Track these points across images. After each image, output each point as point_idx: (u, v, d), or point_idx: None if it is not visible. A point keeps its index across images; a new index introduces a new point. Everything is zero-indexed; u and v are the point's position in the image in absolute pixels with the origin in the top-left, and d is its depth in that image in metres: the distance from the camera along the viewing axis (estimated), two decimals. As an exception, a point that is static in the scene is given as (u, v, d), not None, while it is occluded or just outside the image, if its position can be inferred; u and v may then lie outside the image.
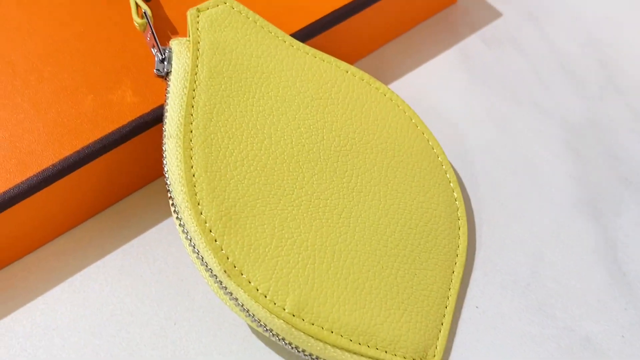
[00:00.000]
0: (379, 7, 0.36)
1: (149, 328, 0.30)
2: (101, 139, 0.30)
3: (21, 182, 0.29)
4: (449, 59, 0.39)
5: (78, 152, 0.30)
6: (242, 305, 0.27)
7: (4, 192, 0.29)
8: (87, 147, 0.30)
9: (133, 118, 0.31)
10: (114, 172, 0.32)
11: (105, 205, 0.33)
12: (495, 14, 0.41)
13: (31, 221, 0.31)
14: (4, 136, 0.30)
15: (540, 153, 0.36)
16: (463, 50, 0.39)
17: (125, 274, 0.31)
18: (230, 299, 0.28)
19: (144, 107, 0.31)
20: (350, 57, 0.38)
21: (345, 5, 0.35)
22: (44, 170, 0.30)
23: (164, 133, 0.29)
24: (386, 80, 0.38)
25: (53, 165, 0.30)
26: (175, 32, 0.34)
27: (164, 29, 0.33)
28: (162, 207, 0.33)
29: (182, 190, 0.28)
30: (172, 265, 0.32)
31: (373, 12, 0.36)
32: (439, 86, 0.38)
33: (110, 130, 0.31)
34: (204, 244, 0.27)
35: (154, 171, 0.34)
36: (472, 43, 0.39)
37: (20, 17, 0.33)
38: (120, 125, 0.31)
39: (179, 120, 0.29)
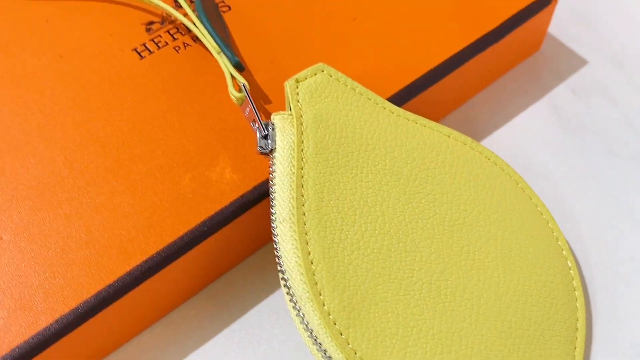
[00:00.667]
0: (473, 64, 0.35)
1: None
2: (204, 222, 0.29)
3: (125, 274, 0.28)
4: (539, 111, 0.37)
5: (182, 237, 0.28)
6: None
7: (108, 286, 0.27)
8: (191, 231, 0.29)
9: (235, 197, 0.29)
10: (214, 254, 0.30)
11: (201, 287, 0.31)
12: (581, 62, 0.39)
13: (130, 312, 0.29)
14: (102, 222, 0.29)
15: (646, 210, 0.34)
16: (552, 101, 0.38)
17: (233, 355, 0.30)
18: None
19: (246, 185, 0.30)
20: (439, 114, 0.36)
21: (439, 65, 0.34)
22: (147, 260, 0.28)
23: (274, 216, 0.28)
24: (477, 137, 0.36)
25: (157, 253, 0.28)
26: (268, 102, 0.32)
27: (256, 99, 0.32)
28: (260, 285, 0.32)
29: (301, 280, 0.26)
30: (277, 349, 0.30)
31: (460, 70, 0.35)
32: (531, 141, 0.36)
33: (213, 212, 0.29)
34: (329, 338, 0.26)
35: (251, 248, 0.32)
36: (561, 93, 0.38)
37: (107, 92, 0.32)
38: (223, 205, 0.29)
39: (290, 202, 0.28)
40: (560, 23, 0.40)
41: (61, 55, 0.33)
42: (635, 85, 0.39)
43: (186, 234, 0.29)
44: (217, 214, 0.29)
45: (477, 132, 0.37)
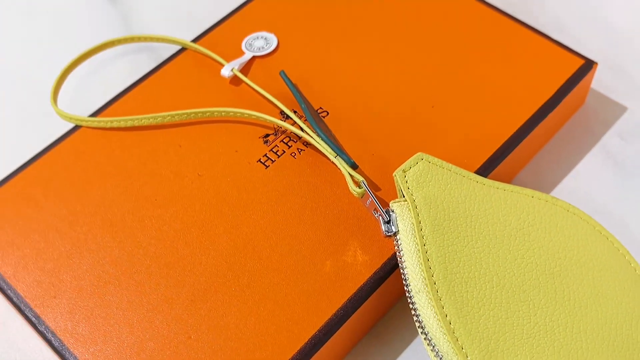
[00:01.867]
0: (537, 130, 0.41)
1: None
2: (349, 300, 0.35)
3: (296, 352, 0.34)
4: (595, 159, 0.44)
5: (335, 314, 0.35)
6: None
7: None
8: (340, 309, 0.35)
9: (369, 275, 0.36)
10: (356, 327, 0.37)
11: (349, 350, 0.38)
12: (622, 109, 0.46)
13: None
14: (268, 312, 0.35)
15: None
16: (605, 147, 0.44)
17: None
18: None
19: (376, 264, 0.36)
20: (514, 173, 0.43)
21: (510, 137, 0.40)
22: (312, 337, 0.34)
23: (408, 288, 0.34)
24: (547, 188, 0.43)
25: (319, 330, 0.34)
26: (378, 190, 0.39)
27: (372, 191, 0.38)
28: (396, 344, 0.38)
29: (445, 339, 0.33)
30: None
31: (533, 135, 0.41)
32: (593, 187, 0.42)
33: (354, 290, 0.35)
34: (474, 384, 0.32)
35: (382, 313, 0.38)
36: (611, 140, 0.44)
37: (245, 200, 0.38)
38: (361, 283, 0.36)
39: (422, 275, 0.34)
40: (599, 77, 0.47)
41: (199, 174, 0.40)
42: (672, 122, 0.45)
43: (337, 311, 0.35)
44: (358, 290, 0.35)
45: (547, 184, 0.43)
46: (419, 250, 0.35)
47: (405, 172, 0.37)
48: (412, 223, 0.35)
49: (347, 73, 0.43)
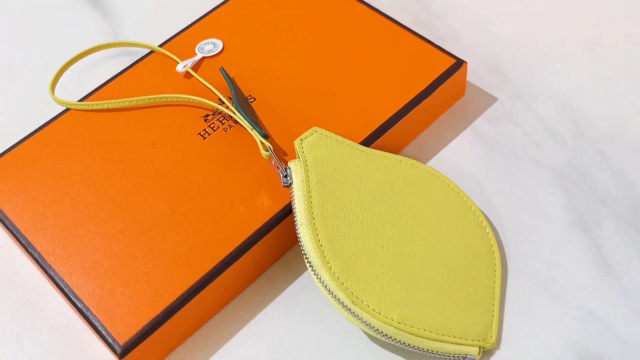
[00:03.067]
0: (413, 112, 0.54)
1: (304, 349, 0.47)
2: (257, 231, 0.48)
3: (214, 266, 0.46)
4: (467, 138, 0.56)
5: (246, 240, 0.47)
6: (365, 322, 0.44)
7: (203, 276, 0.46)
8: (250, 236, 0.48)
9: (273, 214, 0.48)
10: (267, 249, 0.49)
11: (262, 272, 0.50)
12: (493, 99, 0.58)
13: (226, 285, 0.48)
14: (188, 229, 0.48)
15: (540, 193, 0.52)
16: (475, 129, 0.56)
17: (283, 316, 0.48)
18: (356, 319, 0.44)
19: (278, 207, 0.49)
20: (398, 148, 0.55)
21: (391, 117, 0.52)
22: (230, 254, 0.47)
23: (296, 222, 0.47)
24: (426, 159, 0.55)
25: (231, 252, 0.47)
26: (285, 154, 0.51)
27: (279, 155, 0.51)
28: (296, 269, 0.50)
29: (316, 257, 0.45)
30: (310, 306, 0.48)
31: (410, 116, 0.54)
32: (463, 158, 0.54)
33: (260, 225, 0.48)
34: (336, 287, 0.44)
35: (287, 246, 0.51)
36: (481, 123, 0.56)
37: (187, 162, 0.51)
38: (266, 220, 0.48)
39: (305, 213, 0.46)
40: (476, 73, 0.59)
41: (154, 143, 0.53)
42: (532, 110, 0.57)
43: (248, 238, 0.47)
44: (265, 224, 0.48)
45: (426, 157, 0.55)
46: (304, 195, 0.47)
47: (302, 140, 0.50)
48: (302, 176, 0.48)
49: (271, 68, 0.56)
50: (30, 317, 0.49)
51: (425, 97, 0.54)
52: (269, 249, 0.49)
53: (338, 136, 0.50)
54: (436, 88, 0.54)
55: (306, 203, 0.47)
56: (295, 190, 0.48)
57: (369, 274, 0.45)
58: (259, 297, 0.49)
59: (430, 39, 0.61)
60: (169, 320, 0.45)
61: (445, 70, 0.55)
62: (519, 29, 0.62)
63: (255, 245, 0.48)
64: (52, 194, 0.51)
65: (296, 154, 0.49)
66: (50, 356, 0.47)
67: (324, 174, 0.48)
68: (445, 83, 0.55)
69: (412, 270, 0.46)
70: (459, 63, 0.55)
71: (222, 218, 0.49)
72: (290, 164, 0.49)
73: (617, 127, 0.55)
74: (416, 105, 0.53)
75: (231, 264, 0.47)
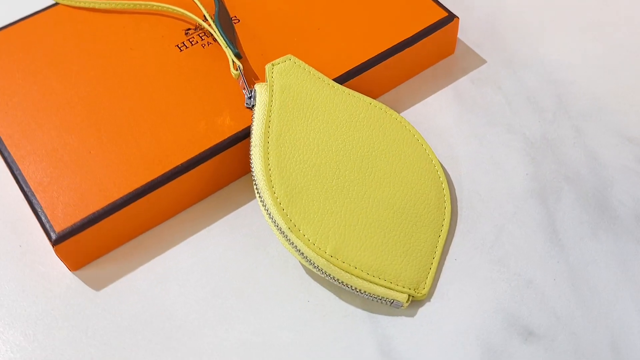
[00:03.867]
0: (395, 59, 0.53)
1: (240, 270, 0.47)
2: (211, 148, 0.48)
3: (162, 175, 0.47)
4: (446, 95, 0.55)
5: (197, 156, 0.47)
6: (299, 250, 0.44)
7: (149, 182, 0.46)
8: (202, 152, 0.47)
9: (231, 134, 0.48)
10: (220, 169, 0.49)
11: (213, 191, 0.50)
12: (482, 61, 0.57)
13: (170, 197, 0.48)
14: (147, 139, 0.48)
15: (506, 159, 0.51)
16: (456, 88, 0.55)
17: (225, 235, 0.48)
18: (292, 247, 0.44)
19: (238, 127, 0.49)
20: (374, 93, 0.54)
21: (371, 59, 0.52)
22: (177, 167, 0.47)
23: (251, 143, 0.46)
24: (400, 110, 0.54)
25: (181, 164, 0.47)
26: (257, 78, 0.51)
27: (249, 77, 0.51)
28: (248, 193, 0.50)
29: (262, 179, 0.45)
30: (255, 231, 0.48)
31: (391, 62, 0.53)
32: (437, 114, 0.54)
33: (216, 142, 0.48)
34: (276, 212, 0.44)
35: (242, 170, 0.51)
36: (463, 83, 0.55)
37: (160, 69, 0.51)
38: (225, 137, 0.48)
39: (260, 136, 0.46)
40: (471, 33, 0.58)
41: (131, 48, 0.53)
42: (518, 78, 0.56)
43: (202, 152, 0.47)
44: (221, 142, 0.48)
45: (401, 106, 0.54)
46: (264, 118, 0.47)
47: (273, 65, 0.49)
48: (266, 100, 0.47)
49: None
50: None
51: (408, 46, 0.53)
52: (222, 168, 0.49)
53: (311, 68, 0.50)
54: (421, 39, 0.53)
55: (264, 126, 0.47)
56: (256, 112, 0.47)
57: (311, 205, 0.45)
58: (205, 214, 0.49)
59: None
60: (109, 218, 0.46)
61: (435, 23, 0.54)
62: (524, -3, 0.61)
63: (208, 161, 0.48)
64: (23, 80, 0.51)
65: (265, 77, 0.49)
66: (-7, 236, 0.48)
67: (287, 101, 0.48)
68: (432, 35, 0.53)
69: (357, 209, 0.46)
70: (450, 18, 0.54)
71: (182, 129, 0.49)
72: (257, 86, 0.48)
73: (600, 108, 0.54)
74: (397, 53, 0.52)
75: (180, 175, 0.47)
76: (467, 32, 0.58)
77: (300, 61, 0.50)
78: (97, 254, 0.47)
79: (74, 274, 0.47)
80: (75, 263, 0.47)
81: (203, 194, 0.50)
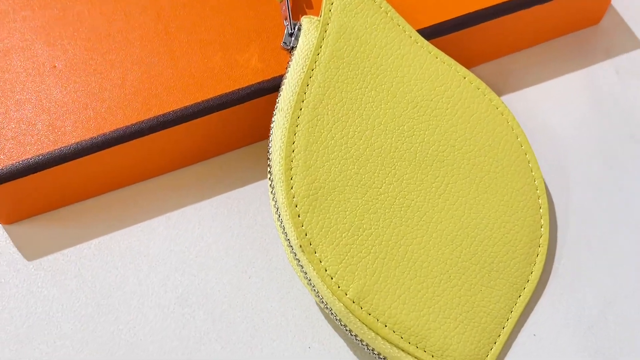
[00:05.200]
0: (513, 17, 0.36)
1: (226, 276, 0.33)
2: (221, 96, 0.33)
3: (143, 121, 0.32)
4: (575, 82, 0.38)
5: (198, 104, 0.33)
6: (310, 280, 0.30)
7: (127, 127, 0.32)
8: (207, 101, 0.33)
9: (253, 82, 0.33)
10: (227, 127, 0.34)
11: (212, 155, 0.36)
12: (636, 44, 0.39)
13: (147, 154, 0.34)
14: (135, 73, 0.33)
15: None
16: (592, 75, 0.38)
17: (217, 222, 0.34)
18: (301, 271, 0.30)
19: (266, 74, 0.33)
20: (474, 60, 0.38)
21: (480, 11, 0.35)
22: (164, 114, 0.32)
23: (277, 105, 0.31)
24: (504, 90, 0.38)
25: (173, 111, 0.32)
26: (311, 8, 0.35)
27: (300, 3, 0.35)
28: (262, 168, 0.36)
29: (279, 162, 0.30)
30: (259, 224, 0.34)
31: (507, 20, 0.36)
32: (555, 108, 0.37)
33: (231, 90, 0.33)
34: (288, 216, 0.29)
35: (262, 134, 0.36)
36: (603, 70, 0.38)
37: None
38: (241, 87, 0.33)
39: (292, 96, 0.31)
40: (631, 1, 0.40)
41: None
42: (684, 80, 0.38)
43: (202, 101, 0.33)
44: (234, 92, 0.33)
45: (506, 85, 0.38)
46: (304, 72, 0.31)
47: (336, -6, 0.33)
48: (313, 44, 0.32)
49: None
50: None
51: (533, 3, 0.36)
52: (229, 126, 0.34)
53: (391, 8, 0.33)
54: (559, -5, 0.36)
55: (301, 82, 0.31)
56: (294, 59, 0.32)
57: (341, 218, 0.30)
58: (195, 185, 0.35)
59: None
60: (61, 167, 0.32)
61: (585, -25, 0.36)
62: None
63: (213, 114, 0.33)
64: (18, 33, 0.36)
65: (321, 10, 0.33)
66: None
67: (344, 52, 0.32)
68: (577, -6, 0.36)
69: (408, 237, 0.30)
70: (609, -28, 0.36)
71: (183, 59, 0.34)
72: (304, 20, 0.33)
73: None
74: (514, 11, 0.35)
75: (167, 126, 0.32)
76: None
77: (378, -5, 0.33)
78: (37, 208, 0.34)
79: (4, 227, 0.34)
80: (7, 214, 0.34)
81: (196, 156, 0.35)
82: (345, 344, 0.32)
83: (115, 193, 0.35)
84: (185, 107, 0.33)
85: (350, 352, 0.31)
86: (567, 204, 0.35)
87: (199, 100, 0.33)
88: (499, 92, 0.38)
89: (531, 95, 0.38)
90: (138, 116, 0.32)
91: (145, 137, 0.32)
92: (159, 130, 0.32)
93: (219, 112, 0.33)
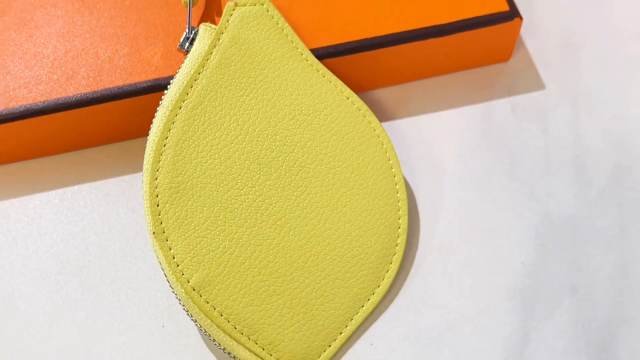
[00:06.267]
0: (411, 47, 0.38)
1: (104, 252, 0.36)
2: (120, 87, 0.36)
3: (58, 99, 0.36)
4: (471, 115, 0.40)
5: (101, 90, 0.36)
6: (160, 264, 0.32)
7: (44, 102, 0.35)
8: (110, 88, 0.36)
9: (153, 77, 0.36)
10: (126, 116, 0.37)
11: (114, 140, 0.39)
12: (539, 86, 0.41)
13: (55, 131, 0.37)
14: (58, 52, 0.37)
15: (508, 231, 0.36)
16: (488, 110, 0.40)
17: (107, 201, 0.37)
18: (157, 257, 0.33)
19: (164, 73, 0.36)
20: (374, 82, 0.40)
21: (376, 37, 0.37)
22: (78, 95, 0.36)
23: (161, 101, 0.34)
24: (399, 115, 0.40)
25: (76, 95, 0.36)
26: (218, 16, 0.38)
27: (206, 13, 0.38)
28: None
29: (149, 154, 0.33)
30: (138, 208, 0.37)
31: (406, 49, 0.38)
32: (445, 138, 0.39)
33: (132, 82, 0.36)
34: (148, 203, 0.32)
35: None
36: (501, 106, 0.40)
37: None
38: (142, 80, 0.36)
39: (174, 95, 0.34)
40: (541, 41, 0.42)
41: None
42: (576, 125, 0.40)
43: (107, 88, 0.36)
44: (137, 83, 0.36)
45: (403, 111, 0.40)
46: (190, 74, 0.34)
47: (237, 5, 0.36)
48: (204, 49, 0.35)
49: None
50: None
51: (435, 35, 0.38)
52: (127, 115, 0.37)
53: (287, 24, 0.36)
54: (460, 31, 0.38)
55: (185, 84, 0.34)
56: (185, 62, 0.35)
57: (198, 211, 0.33)
58: (86, 166, 0.38)
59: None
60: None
61: (487, 15, 0.38)
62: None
63: (112, 102, 0.36)
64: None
65: (220, 20, 0.36)
66: None
67: (232, 60, 0.35)
68: (477, 30, 0.38)
69: (260, 236, 0.33)
70: (510, 15, 0.38)
71: (93, 49, 0.37)
72: (201, 27, 0.35)
73: (671, 207, 0.37)
74: (416, 39, 0.38)
75: (67, 109, 0.36)
76: (540, 37, 0.42)
77: (276, 11, 0.36)
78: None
79: None
80: None
81: (94, 140, 0.38)
82: (195, 328, 0.34)
83: (21, 163, 0.38)
84: (85, 93, 0.36)
85: (198, 336, 0.34)
86: (433, 228, 0.37)
87: (99, 87, 0.36)
88: (395, 116, 0.40)
89: (425, 122, 0.40)
90: (44, 95, 0.36)
91: (57, 113, 0.36)
92: (58, 111, 0.36)
93: (118, 101, 0.36)
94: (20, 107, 0.36)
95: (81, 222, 0.37)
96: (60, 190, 0.38)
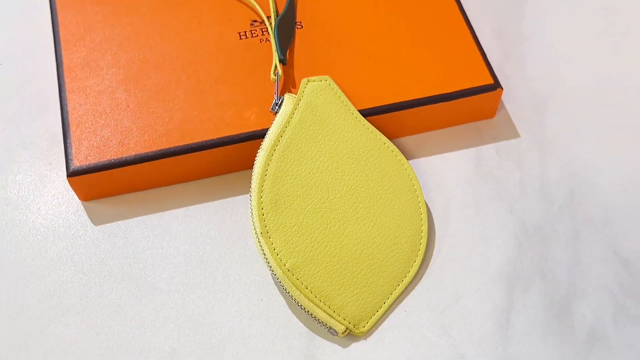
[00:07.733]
0: (425, 109, 0.55)
1: (216, 249, 0.52)
2: (230, 136, 0.52)
3: (180, 146, 0.52)
4: (467, 156, 0.56)
5: (217, 139, 0.52)
6: (265, 256, 0.48)
7: (171, 147, 0.52)
8: (222, 137, 0.52)
9: (250, 130, 0.52)
10: (231, 156, 0.53)
11: (222, 173, 0.55)
12: (515, 135, 0.58)
13: (180, 168, 0.53)
14: (177, 105, 0.53)
15: (495, 236, 0.53)
16: (479, 152, 0.57)
17: (215, 216, 0.53)
18: (260, 251, 0.49)
19: (259, 126, 0.53)
20: (398, 133, 0.57)
21: (404, 102, 0.54)
22: (195, 143, 0.52)
23: (261, 146, 0.51)
24: (417, 155, 0.56)
25: (200, 141, 0.52)
26: (294, 87, 0.54)
27: (287, 83, 0.54)
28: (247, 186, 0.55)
29: (256, 180, 0.49)
30: (243, 221, 0.53)
31: (423, 111, 0.55)
32: (450, 172, 0.56)
33: (237, 132, 0.52)
34: (257, 214, 0.48)
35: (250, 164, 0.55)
36: (488, 150, 0.57)
37: (215, 48, 0.56)
38: (241, 132, 0.52)
39: (271, 141, 0.50)
40: (519, 104, 0.59)
41: (200, 23, 0.57)
42: (542, 163, 0.56)
43: (220, 137, 0.52)
44: (239, 134, 0.52)
45: (418, 153, 0.56)
46: (280, 128, 0.51)
47: (309, 81, 0.53)
48: (288, 111, 0.51)
49: (333, 9, 0.58)
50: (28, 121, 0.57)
51: (443, 100, 0.55)
52: (232, 156, 0.53)
53: (342, 94, 0.53)
54: (459, 98, 0.55)
55: (277, 134, 0.50)
56: (276, 119, 0.51)
57: (290, 218, 0.49)
58: (206, 191, 0.54)
59: (498, 53, 0.61)
60: (123, 168, 0.51)
61: (477, 87, 0.55)
62: (589, 85, 0.61)
63: (224, 147, 0.52)
64: (102, 25, 0.57)
65: (298, 90, 0.53)
66: (26, 150, 0.56)
67: (308, 119, 0.51)
68: (470, 98, 0.55)
69: (330, 236, 0.49)
70: (494, 86, 0.55)
71: (211, 110, 0.53)
72: (286, 96, 0.52)
73: (607, 221, 0.54)
74: (431, 103, 0.54)
75: (194, 151, 0.52)
76: (516, 100, 0.59)
77: (335, 85, 0.53)
78: (105, 193, 0.53)
79: (82, 203, 0.54)
80: (85, 195, 0.53)
81: (209, 172, 0.55)
82: (284, 301, 0.50)
83: (156, 190, 0.54)
84: (207, 140, 0.52)
85: (286, 306, 0.50)
86: (444, 233, 0.53)
87: (216, 136, 0.52)
88: (415, 156, 0.56)
89: (435, 161, 0.56)
90: (174, 141, 0.52)
91: (178, 156, 0.52)
92: (187, 153, 0.52)
93: (228, 146, 0.52)
94: (150, 152, 0.52)
95: (200, 230, 0.53)
96: (184, 209, 0.53)
